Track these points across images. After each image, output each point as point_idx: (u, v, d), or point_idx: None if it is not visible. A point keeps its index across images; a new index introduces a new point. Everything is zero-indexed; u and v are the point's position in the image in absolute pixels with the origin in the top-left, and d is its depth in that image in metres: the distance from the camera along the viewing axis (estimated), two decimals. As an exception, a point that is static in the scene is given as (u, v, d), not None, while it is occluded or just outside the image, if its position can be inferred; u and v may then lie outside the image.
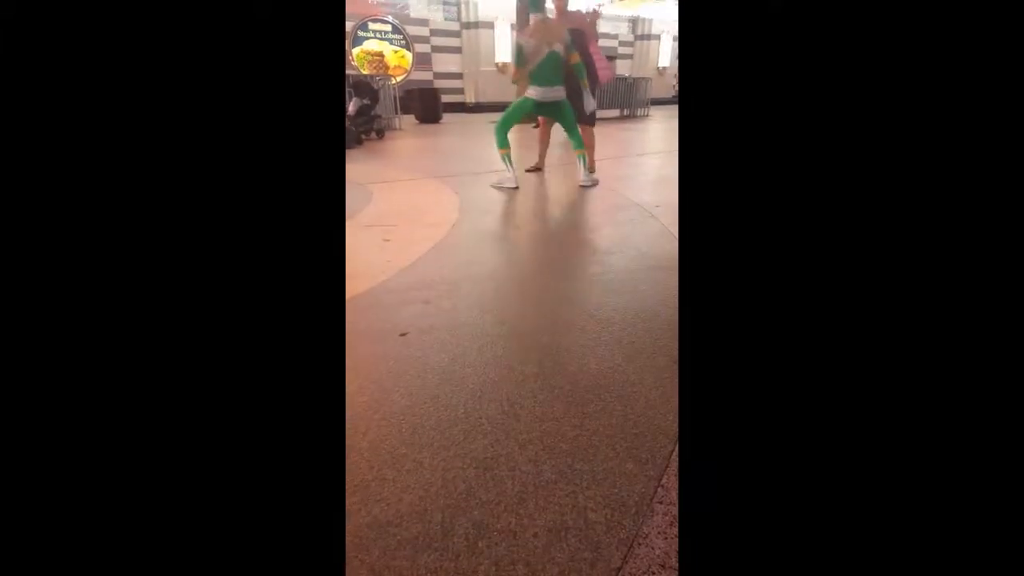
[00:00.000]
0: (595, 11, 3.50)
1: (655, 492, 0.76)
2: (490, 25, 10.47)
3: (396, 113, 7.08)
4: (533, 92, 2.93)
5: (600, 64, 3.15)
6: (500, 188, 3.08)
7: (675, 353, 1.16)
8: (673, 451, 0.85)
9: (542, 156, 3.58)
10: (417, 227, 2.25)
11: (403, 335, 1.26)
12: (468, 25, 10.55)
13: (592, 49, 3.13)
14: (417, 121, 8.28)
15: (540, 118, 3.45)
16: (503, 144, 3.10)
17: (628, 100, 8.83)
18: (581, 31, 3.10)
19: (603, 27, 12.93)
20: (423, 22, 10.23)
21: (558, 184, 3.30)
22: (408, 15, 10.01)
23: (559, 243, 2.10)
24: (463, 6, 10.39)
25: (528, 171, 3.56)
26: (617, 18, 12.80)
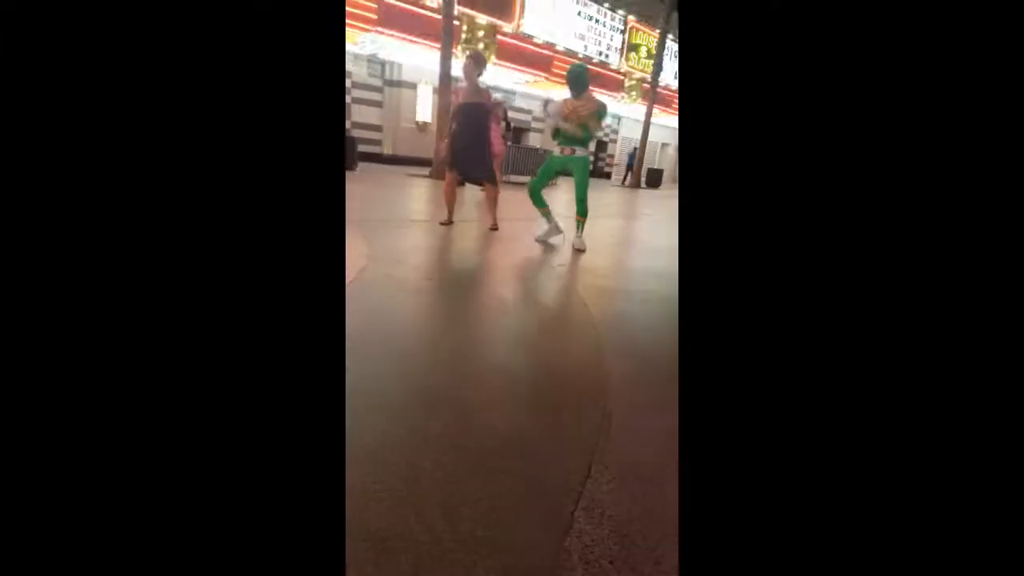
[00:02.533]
0: (503, 100, 4.09)
1: (557, 558, 0.73)
2: (412, 86, 10.85)
3: (308, 157, 6.90)
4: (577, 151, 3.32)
5: (495, 139, 3.76)
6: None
7: (579, 411, 1.18)
8: (574, 511, 0.83)
9: (451, 210, 3.79)
10: (320, 273, 2.12)
11: (293, 389, 1.14)
12: (391, 83, 10.84)
13: (494, 122, 3.70)
14: (330, 167, 8.09)
15: (449, 176, 3.73)
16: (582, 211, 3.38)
17: (537, 168, 9.52)
18: (483, 105, 3.55)
19: (519, 102, 14.11)
20: (346, 75, 10.32)
21: (470, 238, 3.36)
22: (329, 65, 10.07)
23: (468, 295, 2.10)
24: (387, 66, 10.71)
25: (442, 224, 3.69)
26: (531, 97, 14.05)
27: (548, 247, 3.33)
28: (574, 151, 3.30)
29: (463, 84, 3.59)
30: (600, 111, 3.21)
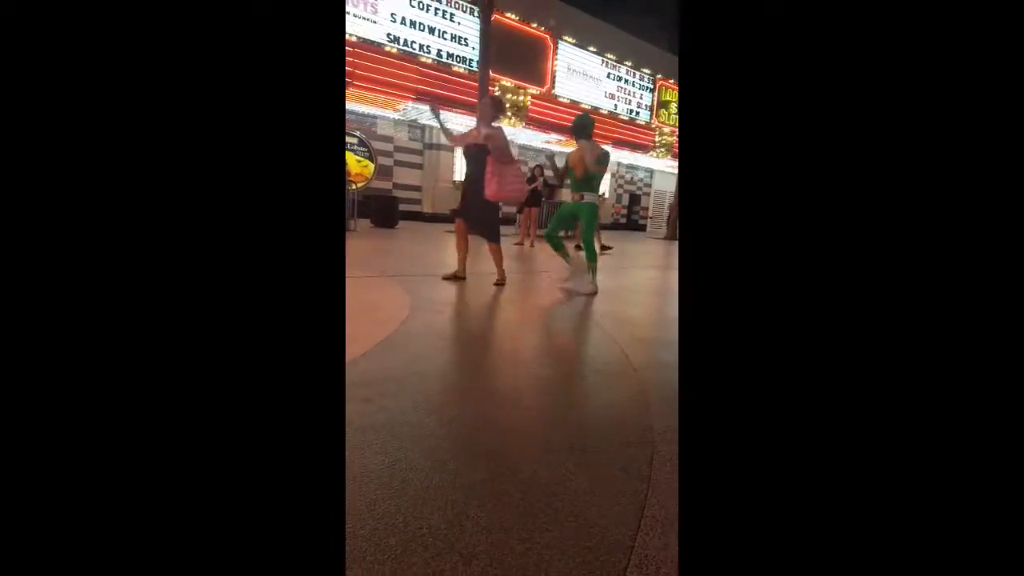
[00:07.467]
0: (507, 139, 3.46)
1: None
2: (451, 149, 11.52)
3: (352, 216, 7.32)
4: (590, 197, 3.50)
5: (489, 179, 3.18)
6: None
7: (625, 461, 1.14)
8: (627, 566, 0.80)
9: (462, 262, 3.48)
10: (364, 323, 2.20)
11: (340, 434, 1.17)
12: (430, 146, 11.55)
13: (489, 164, 3.17)
14: (372, 225, 8.53)
15: (459, 224, 3.50)
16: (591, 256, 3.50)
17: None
18: (484, 146, 3.19)
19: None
20: (388, 139, 11.10)
21: (504, 290, 3.41)
22: (375, 131, 10.86)
23: (506, 345, 2.12)
24: (427, 130, 11.47)
25: (444, 279, 3.45)
26: (561, 155, 14.58)
27: (582, 296, 3.28)
28: (583, 197, 3.45)
29: (479, 126, 3.26)
30: (601, 157, 3.40)
